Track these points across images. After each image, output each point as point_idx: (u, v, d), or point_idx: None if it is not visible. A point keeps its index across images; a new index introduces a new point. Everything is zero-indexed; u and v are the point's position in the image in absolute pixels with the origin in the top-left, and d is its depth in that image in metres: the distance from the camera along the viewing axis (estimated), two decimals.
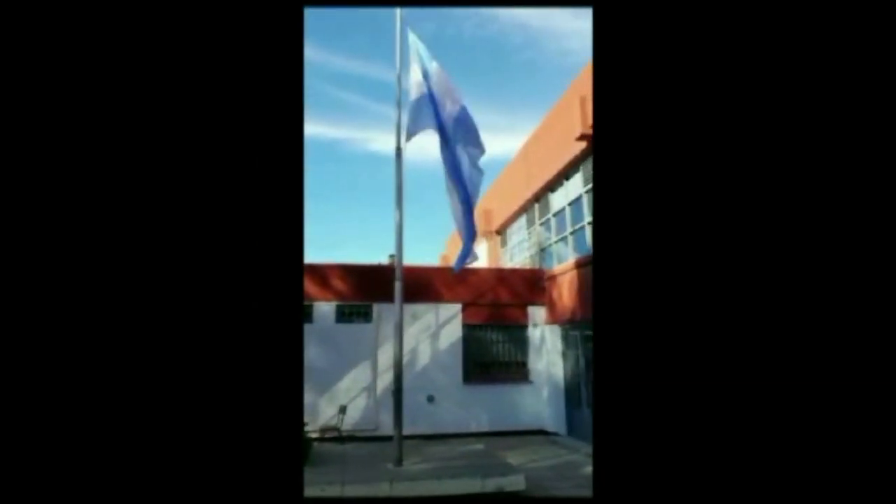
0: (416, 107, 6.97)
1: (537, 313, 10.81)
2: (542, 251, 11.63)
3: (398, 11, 7.28)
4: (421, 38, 7.28)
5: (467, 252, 7.13)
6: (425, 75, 7.03)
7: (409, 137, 6.92)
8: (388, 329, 9.35)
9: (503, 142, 54.17)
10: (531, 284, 10.93)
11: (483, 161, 7.32)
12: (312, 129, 50.78)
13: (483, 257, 15.33)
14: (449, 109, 6.97)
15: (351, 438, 8.81)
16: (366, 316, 10.08)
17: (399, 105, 7.02)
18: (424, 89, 6.94)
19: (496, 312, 10.72)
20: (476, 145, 7.15)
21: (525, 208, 12.56)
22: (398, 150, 6.91)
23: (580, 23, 59.87)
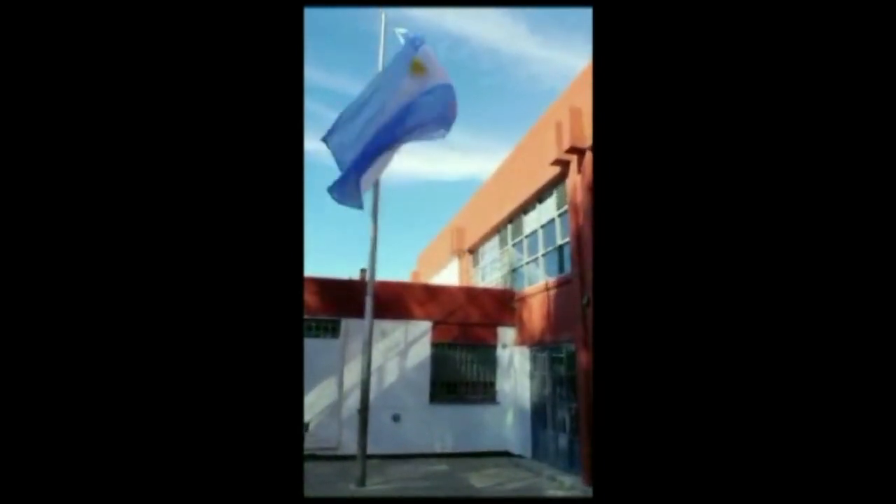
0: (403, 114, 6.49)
1: (507, 334, 10.82)
2: (514, 272, 11.69)
3: (382, 15, 7.38)
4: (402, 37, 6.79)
5: (352, 183, 6.26)
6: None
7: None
8: (355, 345, 9.20)
9: (472, 162, 55.02)
10: (502, 304, 10.95)
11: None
12: None
13: (454, 275, 15.32)
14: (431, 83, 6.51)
15: (312, 457, 8.56)
16: (333, 331, 9.89)
17: None
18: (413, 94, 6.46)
19: (466, 332, 10.67)
20: (442, 124, 6.72)
21: (498, 228, 12.63)
22: None
23: (548, 52, 61.69)
